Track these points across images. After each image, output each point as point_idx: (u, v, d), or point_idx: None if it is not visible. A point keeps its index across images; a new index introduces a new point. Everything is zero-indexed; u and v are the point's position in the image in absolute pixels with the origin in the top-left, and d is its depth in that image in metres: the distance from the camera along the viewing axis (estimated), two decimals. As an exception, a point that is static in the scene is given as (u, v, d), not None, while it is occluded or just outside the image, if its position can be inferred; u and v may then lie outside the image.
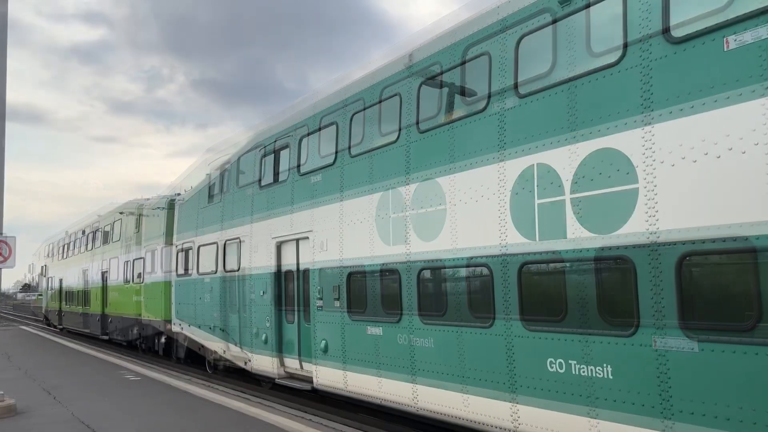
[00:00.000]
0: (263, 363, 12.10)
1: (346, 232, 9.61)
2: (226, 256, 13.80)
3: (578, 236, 6.03)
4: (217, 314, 14.17)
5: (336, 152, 10.02)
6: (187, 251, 16.24)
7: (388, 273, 8.72)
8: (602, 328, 5.81)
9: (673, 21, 5.44)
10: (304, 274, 10.95)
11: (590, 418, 5.83)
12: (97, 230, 26.58)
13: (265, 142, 12.58)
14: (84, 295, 27.74)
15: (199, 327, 15.27)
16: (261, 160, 12.65)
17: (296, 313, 11.23)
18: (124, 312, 22.03)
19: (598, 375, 5.77)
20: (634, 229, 5.56)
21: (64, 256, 33.17)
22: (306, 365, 10.89)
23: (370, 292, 9.30)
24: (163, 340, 18.57)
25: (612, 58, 5.92)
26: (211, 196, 15.08)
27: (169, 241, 18.11)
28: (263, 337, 12.02)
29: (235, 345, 13.30)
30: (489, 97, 7.25)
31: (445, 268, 7.78)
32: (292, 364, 11.43)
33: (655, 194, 5.43)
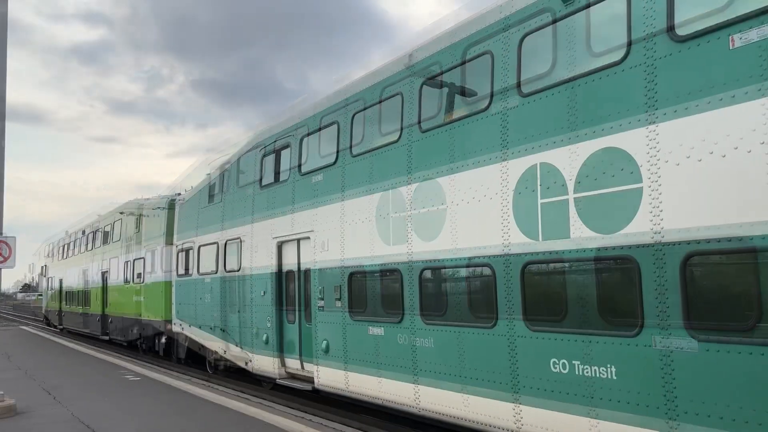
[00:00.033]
0: (264, 363, 12.06)
1: (348, 232, 9.57)
2: (227, 256, 13.77)
3: (582, 236, 5.99)
4: (217, 314, 14.13)
5: (337, 152, 9.99)
6: (187, 251, 16.21)
7: (390, 273, 8.69)
8: (606, 329, 5.77)
9: (678, 19, 5.40)
10: (305, 274, 10.92)
11: (594, 419, 5.79)
12: (97, 230, 26.56)
13: (265, 142, 12.55)
14: (84, 295, 27.71)
15: (200, 327, 15.23)
16: (261, 159, 12.62)
17: (297, 313, 11.20)
18: (124, 312, 21.99)
19: (601, 375, 5.73)
20: (638, 229, 5.52)
21: (64, 256, 33.15)
22: (307, 365, 10.86)
23: (371, 292, 9.27)
24: (163, 340, 18.53)
25: (616, 56, 5.88)
26: (211, 196, 15.05)
27: (169, 241, 18.08)
28: (264, 338, 11.98)
29: (236, 345, 13.27)
30: (491, 96, 7.21)
31: (447, 268, 7.74)
32: (293, 364, 11.39)
33: (660, 194, 5.39)
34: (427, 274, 8.04)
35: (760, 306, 4.68)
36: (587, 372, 5.87)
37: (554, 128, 6.40)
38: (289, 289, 11.51)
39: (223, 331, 13.87)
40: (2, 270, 11.76)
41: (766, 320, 4.63)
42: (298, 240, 11.10)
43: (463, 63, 7.74)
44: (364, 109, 9.52)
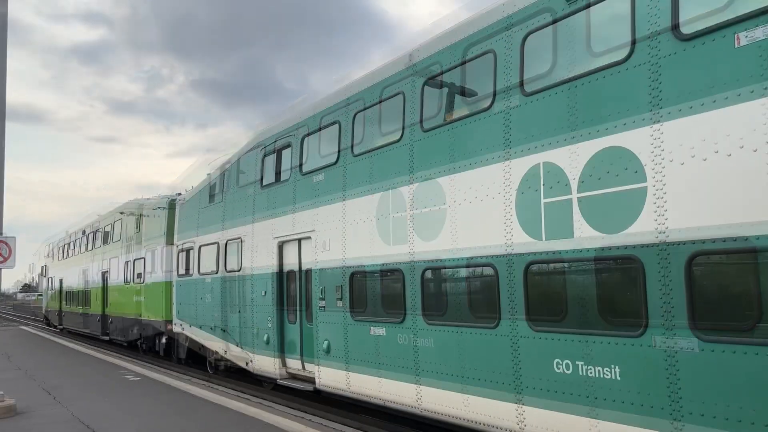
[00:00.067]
0: (265, 363, 12.02)
1: (349, 232, 9.54)
2: (228, 256, 13.73)
3: (585, 235, 5.95)
4: (218, 314, 14.10)
5: (338, 151, 9.96)
6: (187, 251, 16.18)
7: (392, 273, 8.65)
8: (610, 329, 5.74)
9: (682, 17, 5.37)
10: (306, 274, 10.88)
11: (598, 420, 5.75)
12: (98, 230, 26.53)
13: (266, 142, 12.51)
14: (84, 296, 27.67)
15: (200, 327, 15.20)
16: (262, 159, 12.59)
17: (298, 313, 11.16)
18: (124, 312, 21.95)
19: (605, 376, 5.69)
20: (642, 229, 5.48)
21: (65, 257, 33.12)
22: (308, 366, 10.82)
23: (373, 292, 9.23)
24: (164, 340, 18.49)
25: (620, 55, 5.85)
26: (212, 196, 15.02)
27: (169, 241, 18.04)
28: (265, 338, 11.95)
29: (237, 345, 13.23)
30: (494, 95, 7.17)
31: (449, 267, 7.71)
32: (294, 364, 11.35)
33: (664, 193, 5.35)
34: (429, 274, 8.00)
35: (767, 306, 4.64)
36: (591, 372, 5.83)
37: (557, 127, 6.36)
38: (290, 289, 11.47)
39: (224, 331, 13.84)
40: (2, 270, 11.73)
41: None
42: (299, 240, 11.06)
43: (465, 62, 7.71)
44: (366, 108, 9.49)
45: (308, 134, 11.06)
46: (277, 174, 12.00)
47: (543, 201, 6.42)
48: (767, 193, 4.67)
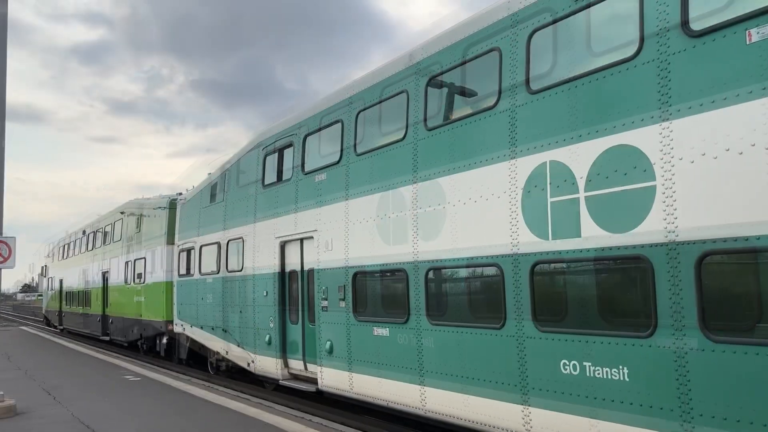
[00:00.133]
0: (267, 364, 11.94)
1: (352, 232, 9.47)
2: (229, 256, 13.66)
3: (593, 235, 5.87)
4: (219, 315, 14.02)
5: (341, 150, 9.89)
6: (188, 251, 16.11)
7: (395, 273, 8.58)
8: (618, 329, 5.66)
9: (692, 14, 5.30)
10: (308, 274, 10.81)
11: (605, 422, 5.67)
12: (98, 230, 26.47)
13: (267, 141, 12.45)
14: (85, 296, 27.61)
15: (201, 328, 15.13)
16: (264, 159, 12.52)
17: (300, 313, 11.08)
18: (125, 312, 21.88)
19: (613, 377, 5.61)
20: (651, 228, 5.41)
21: (65, 257, 33.07)
22: (310, 366, 10.74)
23: (376, 292, 9.16)
24: (164, 340, 18.41)
25: (628, 52, 5.78)
26: (213, 196, 14.95)
27: (170, 241, 17.98)
28: (266, 338, 11.87)
29: (238, 346, 13.16)
30: (499, 93, 7.10)
31: (453, 267, 7.63)
32: (296, 365, 11.28)
33: (674, 192, 5.28)
34: (433, 273, 7.92)
35: None
36: (598, 373, 5.75)
37: (564, 125, 6.29)
38: (292, 289, 11.40)
39: (225, 331, 13.77)
40: (2, 270, 11.68)
41: None
42: (301, 240, 10.99)
43: (471, 60, 7.63)
44: (369, 107, 9.42)
45: (310, 133, 11.00)
46: (279, 173, 11.94)
47: (549, 200, 6.35)
48: None
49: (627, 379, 5.52)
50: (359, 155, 9.47)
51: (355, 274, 9.34)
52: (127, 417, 9.67)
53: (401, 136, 8.60)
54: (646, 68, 5.59)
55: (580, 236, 5.99)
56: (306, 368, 10.92)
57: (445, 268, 7.76)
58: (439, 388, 7.69)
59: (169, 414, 9.92)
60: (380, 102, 9.19)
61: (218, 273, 14.11)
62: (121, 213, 23.06)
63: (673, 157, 5.31)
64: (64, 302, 32.35)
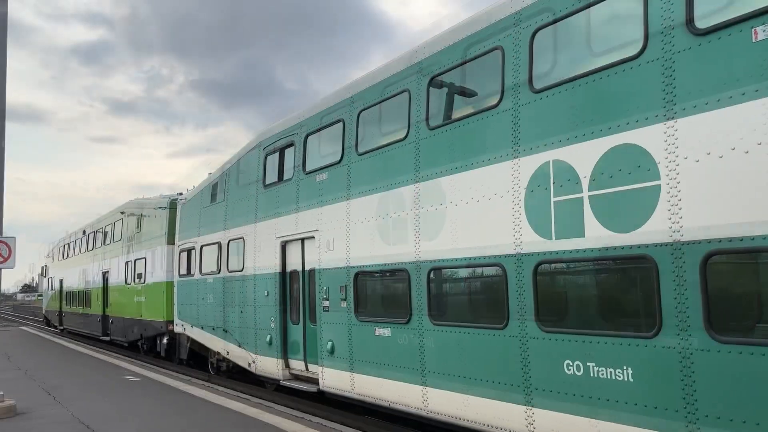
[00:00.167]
0: (268, 364, 11.90)
1: (354, 231, 9.43)
2: (229, 256, 13.63)
3: (597, 235, 5.83)
4: (219, 315, 13.99)
5: (342, 150, 9.85)
6: (189, 251, 16.08)
7: (397, 273, 8.54)
8: (622, 329, 5.62)
9: (697, 11, 5.27)
10: (309, 274, 10.77)
11: (609, 422, 5.63)
12: (98, 230, 26.44)
13: (268, 141, 12.42)
14: (85, 296, 27.58)
15: (202, 328, 15.09)
16: (265, 158, 12.49)
17: (301, 313, 11.05)
18: (125, 313, 21.84)
19: (617, 378, 5.57)
20: (655, 227, 5.37)
21: (65, 257, 33.04)
22: (312, 367, 10.70)
23: (378, 292, 9.12)
24: (165, 341, 18.37)
25: (632, 51, 5.74)
26: (213, 196, 14.92)
27: (170, 241, 17.94)
28: (267, 338, 11.83)
29: (238, 346, 13.12)
30: (502, 92, 7.06)
31: (455, 267, 7.60)
32: (297, 365, 11.24)
33: (679, 191, 5.24)
34: (436, 273, 7.88)
35: None
36: (602, 374, 5.71)
37: (567, 125, 6.25)
38: (293, 289, 11.36)
39: (226, 331, 13.73)
40: (2, 270, 11.65)
41: None
42: (303, 240, 10.96)
43: (473, 59, 7.60)
44: (371, 106, 9.38)
45: (312, 132, 10.96)
46: (280, 173, 11.90)
47: (553, 199, 6.31)
48: None
49: (631, 380, 5.48)
50: (361, 155, 9.43)
51: (357, 274, 9.30)
52: (127, 417, 9.64)
53: (403, 135, 8.56)
54: (650, 67, 5.56)
55: (583, 236, 5.95)
56: (307, 368, 10.88)
57: (447, 268, 7.72)
58: (441, 389, 7.65)
59: (169, 414, 9.89)
60: (382, 101, 9.15)
61: (219, 273, 14.08)
62: (122, 213, 23.03)
63: (677, 156, 5.27)
64: (64, 302, 32.31)
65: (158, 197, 20.35)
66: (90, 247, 27.53)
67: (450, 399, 7.51)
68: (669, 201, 5.29)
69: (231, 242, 13.58)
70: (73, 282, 30.00)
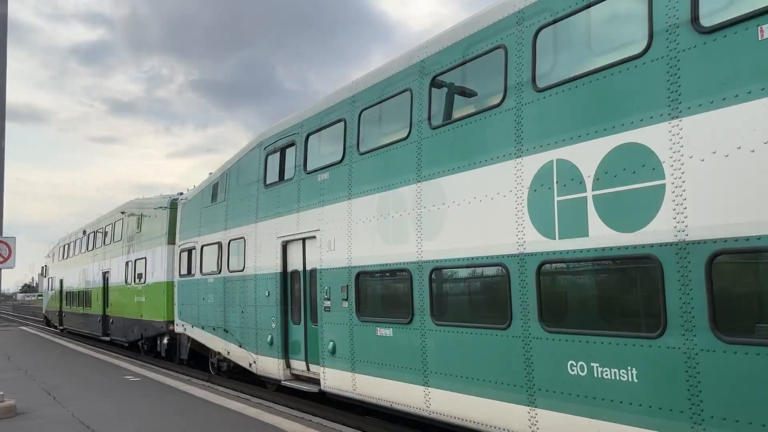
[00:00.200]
0: (269, 365, 11.86)
1: (355, 231, 9.39)
2: (230, 256, 13.59)
3: (601, 234, 5.79)
4: (220, 315, 13.95)
5: (344, 149, 9.81)
6: (189, 251, 16.04)
7: (399, 273, 8.50)
8: (627, 330, 5.58)
9: (702, 9, 5.23)
10: (310, 274, 10.73)
11: (613, 423, 5.59)
12: (98, 230, 26.41)
13: (269, 141, 12.38)
14: (85, 296, 27.54)
15: (203, 328, 15.05)
16: (266, 158, 12.45)
17: (302, 313, 11.01)
18: (125, 313, 21.81)
19: (622, 378, 5.53)
20: (660, 227, 5.33)
21: (65, 257, 33.00)
22: (313, 367, 10.66)
23: (379, 292, 9.09)
24: (165, 341, 18.34)
25: (637, 49, 5.70)
26: (214, 195, 14.89)
27: (171, 241, 17.91)
28: (268, 339, 11.79)
29: (239, 346, 13.08)
30: (505, 91, 7.03)
31: (458, 267, 7.56)
32: (298, 366, 11.20)
33: (684, 190, 5.20)
34: (438, 273, 7.85)
35: None
36: (606, 374, 5.67)
37: (571, 124, 6.22)
38: (294, 289, 11.32)
39: (226, 332, 13.69)
40: (2, 270, 11.62)
41: None
42: (304, 239, 10.92)
43: (476, 58, 7.56)
44: (372, 105, 9.35)
45: (312, 132, 10.93)
46: (281, 173, 11.87)
47: (556, 199, 6.27)
48: None
49: (636, 380, 5.44)
50: (362, 154, 9.40)
51: (358, 274, 9.26)
52: (127, 417, 9.61)
53: (405, 134, 8.53)
54: (655, 65, 5.52)
55: (587, 235, 5.91)
56: (308, 369, 10.85)
57: (449, 267, 7.68)
58: (443, 389, 7.60)
59: (169, 414, 9.86)
60: (384, 100, 9.11)
61: (219, 273, 14.04)
62: (122, 213, 23.00)
63: (682, 155, 5.24)
64: (64, 302, 32.28)
65: (158, 197, 20.32)
66: (90, 247, 27.50)
67: (452, 399, 7.47)
68: (674, 200, 5.25)
69: (232, 242, 13.55)
70: (74, 282, 29.97)
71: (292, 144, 11.53)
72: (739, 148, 4.86)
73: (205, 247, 14.99)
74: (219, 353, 14.53)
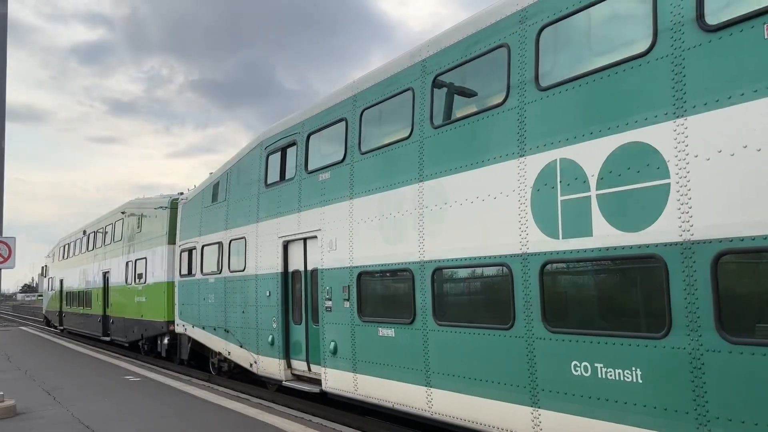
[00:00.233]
0: (270, 365, 11.82)
1: (357, 231, 9.35)
2: (231, 256, 13.55)
3: (605, 234, 5.75)
4: (221, 315, 13.91)
5: (345, 149, 9.78)
6: (190, 251, 16.01)
7: (401, 273, 8.46)
8: (631, 330, 5.54)
9: (708, 7, 5.20)
10: (311, 274, 10.69)
11: (618, 424, 5.55)
12: (98, 230, 26.37)
13: (270, 140, 12.35)
14: (85, 296, 27.51)
15: (203, 328, 15.01)
16: (267, 158, 12.42)
17: (304, 314, 10.97)
18: (126, 313, 21.77)
19: (626, 379, 5.49)
20: (665, 227, 5.29)
21: (65, 257, 32.96)
22: (314, 368, 10.62)
23: (381, 292, 9.04)
24: (166, 341, 18.30)
25: (641, 47, 5.67)
26: (215, 195, 14.85)
27: (171, 241, 17.88)
28: (269, 339, 11.75)
29: (240, 347, 13.04)
30: (508, 90, 6.99)
31: (460, 267, 7.52)
32: (299, 366, 11.16)
33: (689, 190, 5.16)
34: (440, 273, 7.80)
35: None
36: (610, 375, 5.63)
37: (575, 123, 6.18)
38: (295, 289, 11.28)
39: (227, 332, 13.66)
40: (2, 270, 11.59)
41: None
42: (305, 239, 10.88)
43: (478, 57, 7.52)
44: (374, 105, 9.31)
45: (313, 132, 10.89)
46: (282, 173, 11.83)
47: (560, 198, 6.23)
48: None
49: (640, 381, 5.40)
50: (364, 154, 9.36)
51: (360, 274, 9.22)
52: (127, 417, 9.57)
53: (407, 134, 8.49)
54: (659, 64, 5.48)
55: (591, 235, 5.88)
56: (309, 369, 10.81)
57: (451, 267, 7.64)
58: (445, 390, 7.56)
59: (168, 414, 9.82)
60: (385, 100, 9.08)
61: (220, 273, 14.00)
62: (122, 213, 22.96)
63: (687, 155, 5.20)
64: (64, 302, 32.24)
65: (159, 197, 20.29)
66: (90, 247, 27.46)
67: (455, 400, 7.43)
68: (679, 200, 5.22)
69: (232, 242, 13.51)
70: (74, 282, 29.93)
71: (293, 144, 11.49)
72: (745, 147, 4.82)
73: (205, 247, 14.96)
74: (220, 353, 14.49)
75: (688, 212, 5.15)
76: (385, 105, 9.13)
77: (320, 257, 10.23)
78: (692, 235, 5.10)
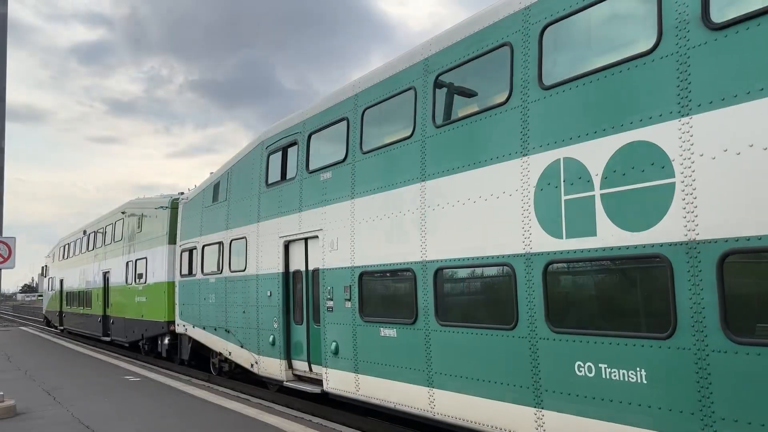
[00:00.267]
0: (270, 365, 11.79)
1: (358, 231, 9.31)
2: (232, 256, 13.52)
3: (609, 234, 5.72)
4: (222, 315, 13.88)
5: (347, 148, 9.74)
6: (190, 251, 15.97)
7: (403, 273, 8.43)
8: (636, 330, 5.50)
9: (713, 5, 5.16)
10: (313, 274, 10.66)
11: (622, 425, 5.51)
12: (99, 230, 26.34)
13: (271, 140, 12.31)
14: (85, 296, 27.46)
15: (204, 328, 14.97)
16: (268, 157, 12.38)
17: (305, 314, 10.93)
18: (126, 313, 21.73)
19: (630, 379, 5.45)
20: (670, 226, 5.25)
21: (65, 257, 32.93)
22: (315, 368, 10.59)
23: (383, 292, 9.01)
24: (166, 341, 18.26)
25: (646, 45, 5.63)
26: (215, 195, 14.81)
27: (172, 241, 17.84)
28: (270, 339, 11.72)
29: (241, 347, 13.00)
30: (511, 89, 6.95)
31: (462, 267, 7.48)
32: (300, 366, 11.12)
33: (694, 189, 5.12)
34: (442, 273, 7.76)
35: None
36: (615, 376, 5.59)
37: (578, 122, 6.14)
38: (297, 289, 11.25)
39: (228, 332, 13.62)
40: (2, 270, 11.57)
41: None
42: (306, 239, 10.85)
43: (481, 56, 7.48)
44: (376, 104, 9.28)
45: (314, 131, 10.85)
46: (283, 172, 11.79)
47: (563, 198, 6.19)
48: None
49: (645, 382, 5.36)
50: (365, 153, 9.32)
51: (362, 274, 9.19)
52: (127, 417, 9.54)
53: (409, 133, 8.45)
54: (664, 62, 5.45)
55: (595, 235, 5.84)
56: (311, 369, 10.77)
57: (453, 267, 7.60)
58: (448, 390, 7.53)
59: (168, 414, 9.79)
60: (387, 99, 9.04)
61: (221, 273, 13.97)
62: (122, 213, 22.93)
63: (693, 154, 5.16)
64: (64, 302, 32.20)
65: (159, 197, 20.25)
66: (90, 247, 27.43)
67: (457, 401, 7.39)
68: (684, 199, 5.18)
69: (233, 242, 13.48)
70: (74, 282, 29.89)
71: (294, 143, 11.46)
72: (751, 145, 4.78)
73: (206, 247, 14.92)
74: (220, 354, 14.46)
75: (693, 212, 5.11)
76: (387, 104, 9.10)
77: (321, 257, 10.19)
78: (697, 234, 5.06)
